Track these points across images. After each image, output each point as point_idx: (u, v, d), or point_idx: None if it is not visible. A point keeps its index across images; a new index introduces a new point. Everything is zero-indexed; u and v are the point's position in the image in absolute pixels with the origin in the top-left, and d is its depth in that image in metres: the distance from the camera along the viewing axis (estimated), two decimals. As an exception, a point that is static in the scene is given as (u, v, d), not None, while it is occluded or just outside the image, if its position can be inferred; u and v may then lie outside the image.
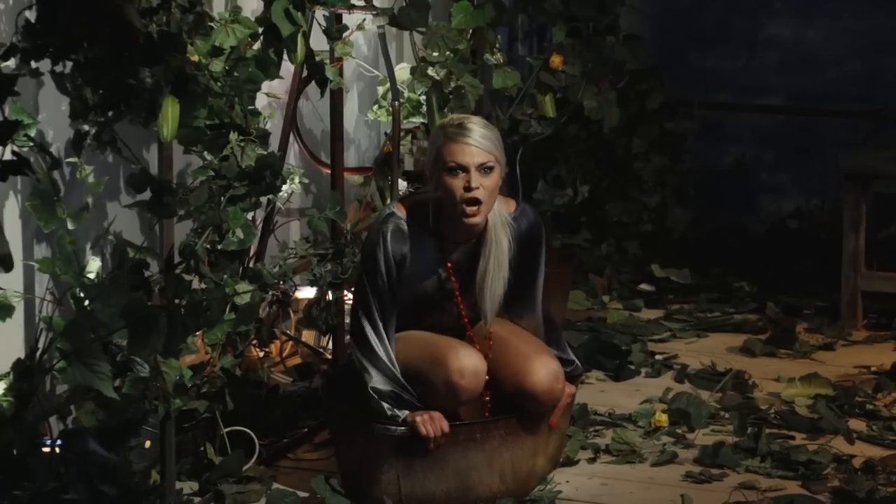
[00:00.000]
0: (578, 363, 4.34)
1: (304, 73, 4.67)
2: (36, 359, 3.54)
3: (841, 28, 6.67)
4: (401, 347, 4.09)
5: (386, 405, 4.02)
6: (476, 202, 3.97)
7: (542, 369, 4.08)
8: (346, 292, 4.69)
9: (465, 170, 3.97)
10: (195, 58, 3.84)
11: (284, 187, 4.54)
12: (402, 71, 5.34)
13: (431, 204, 4.08)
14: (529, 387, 4.07)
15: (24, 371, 3.35)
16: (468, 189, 3.96)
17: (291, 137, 4.80)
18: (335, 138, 4.88)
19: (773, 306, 5.84)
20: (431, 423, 3.99)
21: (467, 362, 4.00)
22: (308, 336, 5.01)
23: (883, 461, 4.38)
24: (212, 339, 4.07)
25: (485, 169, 3.98)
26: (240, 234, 4.05)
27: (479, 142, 3.97)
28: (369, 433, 4.05)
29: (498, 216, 4.07)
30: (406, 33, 5.33)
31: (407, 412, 4.02)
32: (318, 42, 4.66)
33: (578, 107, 5.89)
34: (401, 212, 4.08)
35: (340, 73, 4.71)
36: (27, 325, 3.89)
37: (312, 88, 4.74)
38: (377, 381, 4.03)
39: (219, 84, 3.96)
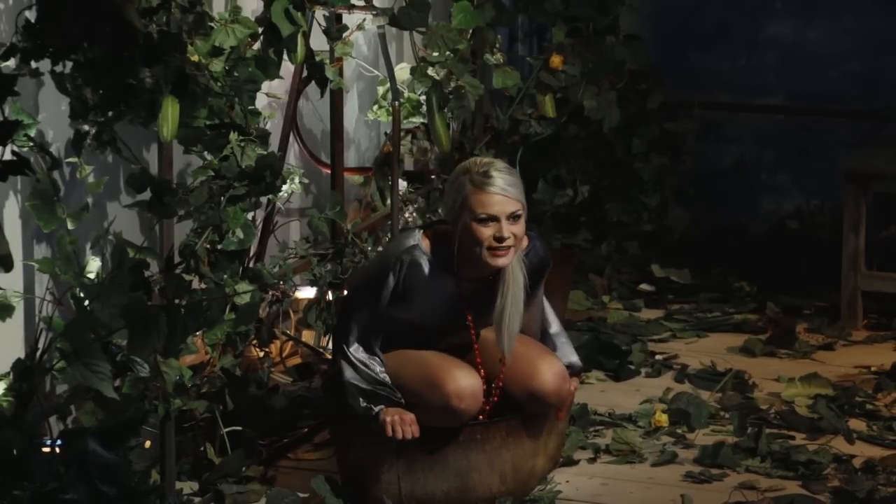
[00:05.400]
0: (577, 360, 4.34)
1: (304, 73, 4.67)
2: (36, 359, 3.54)
3: (841, 28, 6.67)
4: (393, 367, 4.08)
5: (361, 400, 4.02)
6: (505, 248, 3.99)
7: (549, 370, 4.10)
8: (345, 292, 4.68)
9: (496, 219, 3.97)
10: (195, 58, 3.84)
11: (284, 187, 4.54)
12: (402, 71, 5.34)
13: (453, 237, 4.05)
14: (538, 388, 4.08)
15: (24, 371, 3.35)
16: (500, 239, 3.97)
17: (291, 137, 4.81)
18: (335, 138, 4.88)
19: (773, 306, 5.84)
20: (402, 426, 3.99)
21: (464, 384, 4.00)
22: (308, 336, 5.01)
23: (883, 461, 4.38)
24: (212, 339, 4.07)
25: (514, 217, 3.99)
26: (240, 234, 4.05)
27: (506, 190, 3.97)
28: (369, 433, 4.05)
29: (517, 255, 4.07)
30: (406, 33, 5.32)
31: (382, 407, 4.02)
32: (318, 42, 4.66)
33: (578, 107, 5.89)
34: (424, 244, 4.06)
35: (340, 73, 4.71)
36: (27, 325, 3.89)
37: (312, 88, 4.74)
38: (351, 374, 4.04)
39: (219, 84, 3.96)
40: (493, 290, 4.08)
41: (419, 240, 4.07)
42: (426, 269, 4.05)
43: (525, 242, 4.12)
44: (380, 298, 4.04)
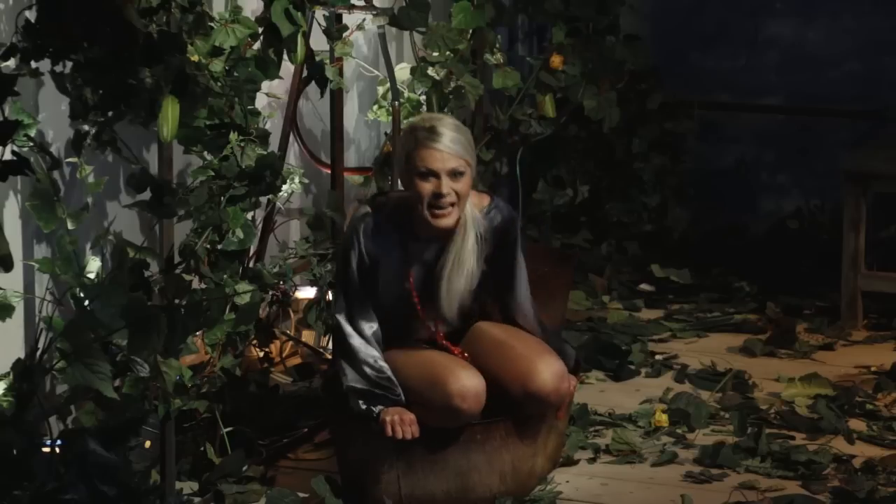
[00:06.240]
0: (571, 354, 4.33)
1: (304, 73, 4.67)
2: (36, 359, 3.54)
3: (841, 28, 6.67)
4: (395, 366, 4.08)
5: (360, 403, 4.03)
6: (445, 206, 3.98)
7: (547, 370, 4.08)
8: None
9: (436, 175, 3.97)
10: (195, 58, 3.84)
11: (284, 187, 4.54)
12: (402, 71, 5.34)
13: (408, 201, 4.07)
14: (536, 388, 4.06)
15: (24, 371, 3.35)
16: (438, 196, 3.97)
17: (291, 137, 4.81)
18: (335, 138, 4.88)
19: (773, 306, 5.84)
20: (402, 426, 3.99)
21: (468, 384, 3.98)
22: (308, 336, 5.01)
23: (883, 461, 4.38)
24: (212, 339, 4.07)
25: (456, 174, 3.98)
26: (240, 234, 4.05)
27: (449, 147, 3.96)
28: (369, 433, 4.05)
29: (469, 215, 4.06)
30: (406, 33, 5.33)
31: (381, 407, 4.02)
32: (318, 42, 4.66)
33: (578, 107, 5.90)
34: (376, 209, 4.09)
35: (340, 73, 4.71)
36: (27, 325, 3.89)
37: (312, 88, 4.74)
38: (352, 378, 4.04)
39: (219, 84, 3.96)
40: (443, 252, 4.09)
41: (369, 208, 4.09)
42: (381, 233, 4.06)
43: (486, 202, 4.13)
44: (354, 282, 4.05)
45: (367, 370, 4.04)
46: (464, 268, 4.07)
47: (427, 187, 3.97)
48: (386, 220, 4.07)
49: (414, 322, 4.16)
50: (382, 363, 4.05)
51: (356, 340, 4.07)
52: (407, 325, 4.17)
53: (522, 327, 4.24)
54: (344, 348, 4.09)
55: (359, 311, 4.08)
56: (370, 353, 4.06)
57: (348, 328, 4.08)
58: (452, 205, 3.98)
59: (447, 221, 4.00)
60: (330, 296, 4.71)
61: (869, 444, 4.58)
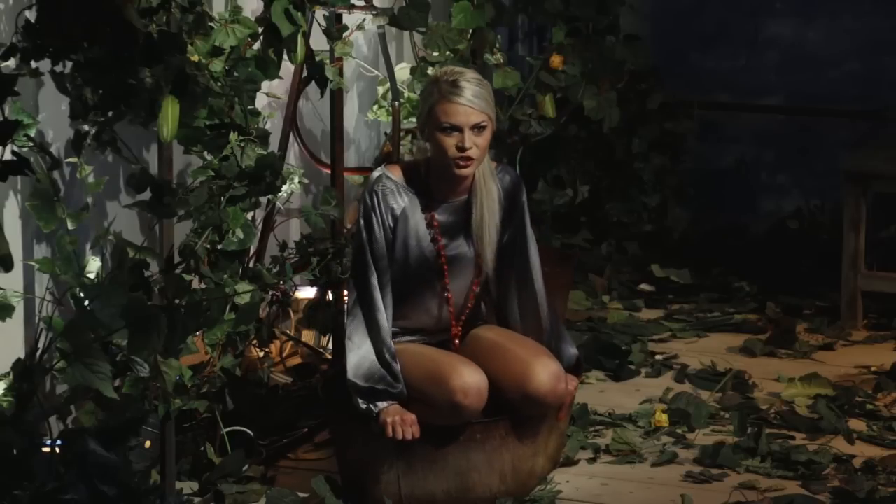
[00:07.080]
0: (574, 353, 4.33)
1: (304, 73, 4.67)
2: (36, 359, 3.54)
3: (841, 28, 6.67)
4: (399, 364, 4.09)
5: (360, 401, 4.03)
6: (468, 159, 4.01)
7: (544, 371, 4.07)
8: (345, 292, 4.68)
9: (459, 129, 3.99)
10: (195, 58, 3.84)
11: (284, 187, 4.54)
12: (402, 71, 5.34)
13: (421, 165, 4.12)
14: (533, 391, 4.06)
15: (24, 371, 3.35)
16: (461, 149, 3.99)
17: (291, 137, 4.80)
18: (335, 138, 4.88)
19: (773, 306, 5.84)
20: (402, 427, 3.99)
21: (470, 380, 3.98)
22: (308, 336, 5.01)
23: (883, 461, 4.38)
24: (212, 339, 4.07)
25: (478, 128, 4.00)
26: (240, 234, 4.05)
27: (472, 101, 4.00)
28: (369, 433, 4.05)
29: (487, 168, 4.11)
30: (406, 33, 5.33)
31: (383, 405, 4.02)
32: (318, 42, 4.66)
33: (578, 107, 5.89)
34: (392, 171, 4.11)
35: (340, 73, 4.71)
36: (27, 325, 3.89)
37: (312, 88, 4.74)
38: (353, 373, 4.04)
39: (219, 84, 3.96)
40: (466, 216, 4.10)
41: (385, 170, 4.12)
42: (398, 193, 4.09)
43: (494, 164, 4.16)
44: (377, 249, 4.06)
45: (385, 352, 4.03)
46: (495, 218, 4.12)
47: (450, 141, 4.00)
48: (402, 181, 4.10)
49: (434, 297, 4.16)
50: (391, 344, 4.06)
51: (382, 317, 4.06)
52: (425, 300, 4.16)
53: (533, 304, 4.24)
54: (369, 322, 4.06)
55: (385, 284, 4.09)
56: (389, 336, 4.06)
57: (379, 302, 4.07)
58: (473, 159, 4.02)
59: (468, 171, 4.04)
60: (330, 295, 4.71)
61: (869, 444, 4.58)
